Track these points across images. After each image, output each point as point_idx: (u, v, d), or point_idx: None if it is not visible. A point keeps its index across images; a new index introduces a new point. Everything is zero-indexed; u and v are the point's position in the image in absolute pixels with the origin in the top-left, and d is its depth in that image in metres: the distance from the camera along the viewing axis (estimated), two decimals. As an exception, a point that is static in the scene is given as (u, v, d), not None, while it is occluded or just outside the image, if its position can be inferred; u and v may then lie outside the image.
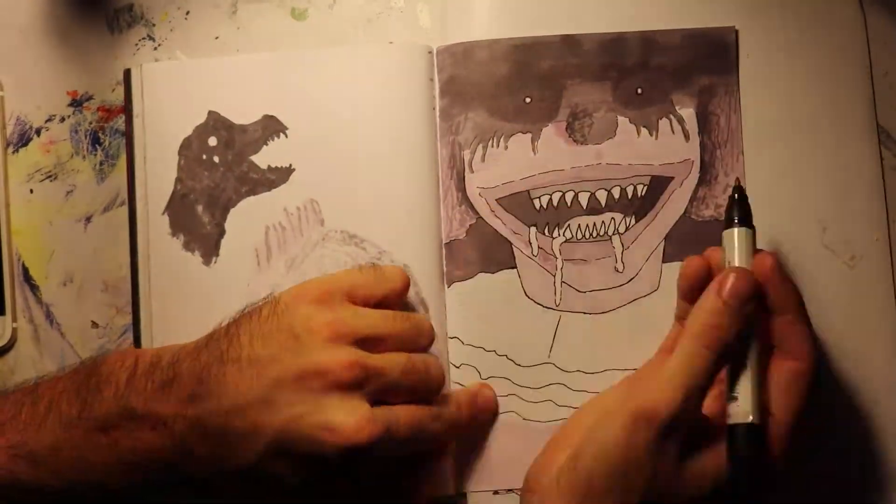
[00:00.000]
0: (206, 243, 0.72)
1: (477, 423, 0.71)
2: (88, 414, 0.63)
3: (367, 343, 0.65)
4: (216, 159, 0.73)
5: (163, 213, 0.73)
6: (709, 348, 0.61)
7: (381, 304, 0.68)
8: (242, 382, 0.62)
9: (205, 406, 0.62)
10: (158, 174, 0.73)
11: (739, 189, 0.66)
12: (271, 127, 0.73)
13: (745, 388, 0.63)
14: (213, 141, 0.73)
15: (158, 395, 0.62)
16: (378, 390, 0.64)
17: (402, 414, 0.64)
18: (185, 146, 0.73)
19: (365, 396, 0.63)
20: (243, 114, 0.73)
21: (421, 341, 0.68)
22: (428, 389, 0.67)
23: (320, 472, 0.63)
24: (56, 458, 0.62)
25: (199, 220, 0.73)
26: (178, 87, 0.73)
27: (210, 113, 0.73)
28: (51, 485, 0.62)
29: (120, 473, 0.63)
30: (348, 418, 0.61)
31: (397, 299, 0.69)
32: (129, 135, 0.74)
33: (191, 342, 0.66)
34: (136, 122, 0.73)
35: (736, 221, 0.65)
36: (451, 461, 0.71)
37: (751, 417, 0.62)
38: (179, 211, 0.73)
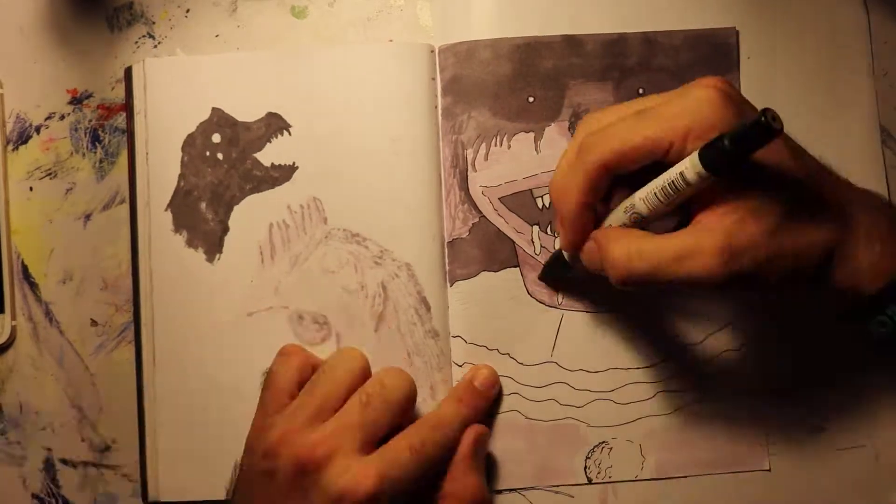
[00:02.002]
0: (210, 240, 0.72)
1: (486, 405, 0.71)
2: None
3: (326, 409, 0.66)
4: (220, 156, 0.73)
5: (165, 210, 0.72)
6: None
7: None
8: None
9: None
10: (161, 170, 0.73)
11: None
12: (275, 124, 0.72)
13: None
14: (216, 138, 0.73)
15: None
16: (362, 440, 0.64)
17: (400, 444, 0.65)
18: (189, 143, 0.73)
19: (355, 452, 0.64)
20: (247, 111, 0.73)
21: (406, 407, 0.67)
22: (397, 401, 0.66)
23: None
24: None
25: (203, 217, 0.72)
26: (181, 84, 0.73)
27: (214, 110, 0.73)
28: None
29: None
30: (352, 477, 0.62)
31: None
32: (130, 132, 0.73)
33: None
34: (139, 118, 0.73)
35: None
36: None
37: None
38: (182, 208, 0.72)
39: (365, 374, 0.68)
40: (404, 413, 0.66)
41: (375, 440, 0.65)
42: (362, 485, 0.62)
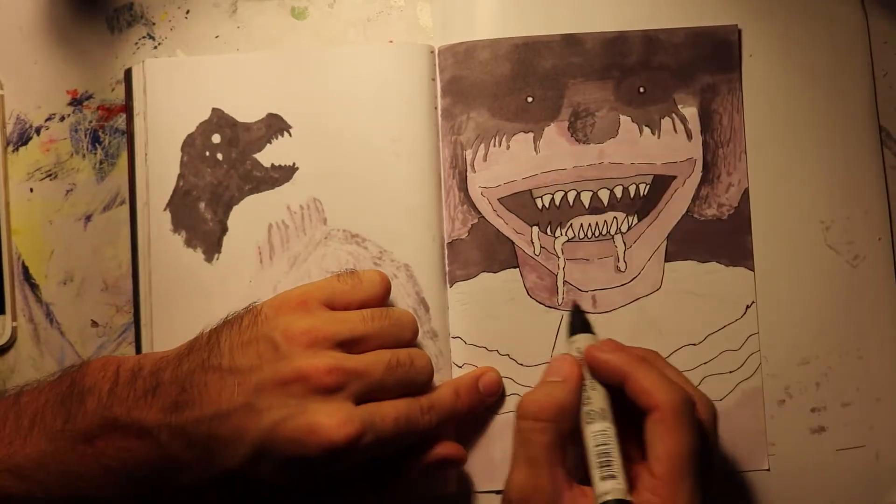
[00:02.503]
0: (209, 240, 0.72)
1: (481, 406, 0.71)
2: (73, 426, 0.62)
3: (349, 345, 0.65)
4: (219, 156, 0.73)
5: (164, 210, 0.72)
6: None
7: (361, 308, 0.68)
8: (225, 390, 0.62)
9: (188, 414, 0.62)
10: (161, 170, 0.73)
11: (576, 306, 0.72)
12: (275, 125, 0.72)
13: (617, 466, 0.63)
14: (216, 138, 0.73)
15: (141, 403, 0.62)
16: (362, 391, 0.64)
17: (388, 410, 0.65)
18: (189, 143, 0.73)
19: (349, 398, 0.63)
20: (247, 112, 0.73)
21: (404, 335, 0.68)
22: (416, 382, 0.67)
23: (306, 473, 0.64)
24: (43, 471, 0.62)
25: (202, 217, 0.72)
26: (181, 84, 0.73)
27: (214, 110, 0.73)
28: (39, 498, 0.62)
29: (107, 484, 0.62)
30: (330, 419, 0.61)
31: (377, 303, 0.69)
32: (129, 133, 0.73)
33: (172, 350, 0.66)
34: (138, 119, 0.73)
35: (579, 328, 0.69)
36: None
37: (628, 496, 0.62)
38: (181, 208, 0.72)
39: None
40: (411, 393, 0.67)
41: (373, 398, 0.65)
42: (339, 432, 0.61)
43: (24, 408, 0.64)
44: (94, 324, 0.74)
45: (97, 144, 0.75)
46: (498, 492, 0.71)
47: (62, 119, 0.75)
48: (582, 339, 0.68)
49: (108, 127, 0.75)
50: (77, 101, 0.75)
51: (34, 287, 0.74)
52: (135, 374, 0.64)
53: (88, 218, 0.74)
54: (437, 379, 0.71)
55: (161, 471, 0.63)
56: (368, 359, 0.65)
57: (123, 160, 0.74)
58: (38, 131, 0.75)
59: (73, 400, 0.63)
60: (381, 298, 0.69)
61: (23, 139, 0.75)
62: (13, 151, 0.75)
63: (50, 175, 0.75)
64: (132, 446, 0.62)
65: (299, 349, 0.63)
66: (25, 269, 0.74)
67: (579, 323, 0.70)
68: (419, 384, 0.68)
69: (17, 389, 0.65)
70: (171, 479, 0.63)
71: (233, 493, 0.65)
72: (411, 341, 0.69)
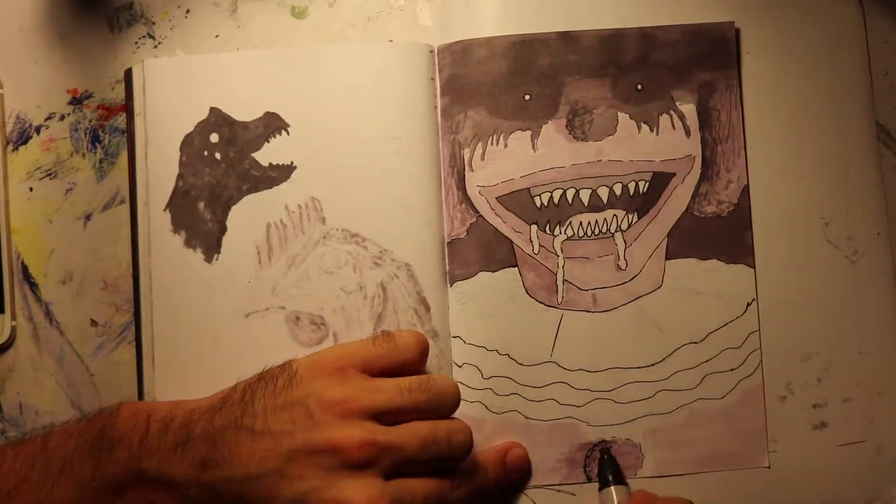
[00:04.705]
0: (208, 240, 0.72)
1: (506, 482, 0.71)
2: (102, 475, 0.63)
3: (385, 416, 0.65)
4: (218, 156, 0.73)
5: (164, 210, 0.72)
6: None
7: (399, 371, 0.67)
8: (256, 453, 0.62)
9: (218, 473, 0.62)
10: (160, 170, 0.73)
11: (607, 451, 0.71)
12: (273, 124, 0.72)
13: None
14: (214, 138, 0.73)
15: (171, 456, 0.63)
16: (394, 466, 0.63)
17: (418, 488, 0.64)
18: (187, 143, 0.73)
19: (379, 473, 0.63)
20: (245, 111, 0.73)
21: (443, 409, 0.67)
22: (451, 458, 0.67)
23: None
24: None
25: (201, 217, 0.72)
26: (179, 84, 0.73)
27: (212, 109, 0.73)
28: None
29: None
30: (359, 496, 0.61)
31: (414, 368, 0.68)
32: (130, 133, 0.73)
33: (204, 400, 0.66)
34: (138, 119, 0.73)
35: (611, 480, 0.70)
36: None
37: None
38: (181, 208, 0.72)
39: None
40: (409, 363, 0.68)
41: (405, 472, 0.64)
42: None
43: (53, 453, 0.64)
44: (94, 323, 0.74)
45: (97, 143, 0.75)
46: (501, 490, 0.71)
47: (62, 118, 0.75)
48: (615, 493, 0.70)
49: (108, 126, 0.75)
50: (77, 101, 0.75)
51: (34, 286, 0.74)
52: (166, 426, 0.64)
53: (88, 217, 0.74)
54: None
55: None
56: (403, 432, 0.64)
57: (123, 159, 0.74)
58: (37, 130, 0.75)
59: (104, 449, 0.63)
60: (418, 363, 0.68)
61: (23, 138, 0.75)
62: (13, 150, 0.75)
63: (50, 174, 0.75)
64: (159, 499, 0.62)
65: (333, 419, 0.63)
66: (25, 269, 0.74)
67: (612, 473, 0.70)
68: (454, 459, 0.67)
69: (45, 431, 0.65)
70: None
71: None
72: (449, 413, 0.68)
